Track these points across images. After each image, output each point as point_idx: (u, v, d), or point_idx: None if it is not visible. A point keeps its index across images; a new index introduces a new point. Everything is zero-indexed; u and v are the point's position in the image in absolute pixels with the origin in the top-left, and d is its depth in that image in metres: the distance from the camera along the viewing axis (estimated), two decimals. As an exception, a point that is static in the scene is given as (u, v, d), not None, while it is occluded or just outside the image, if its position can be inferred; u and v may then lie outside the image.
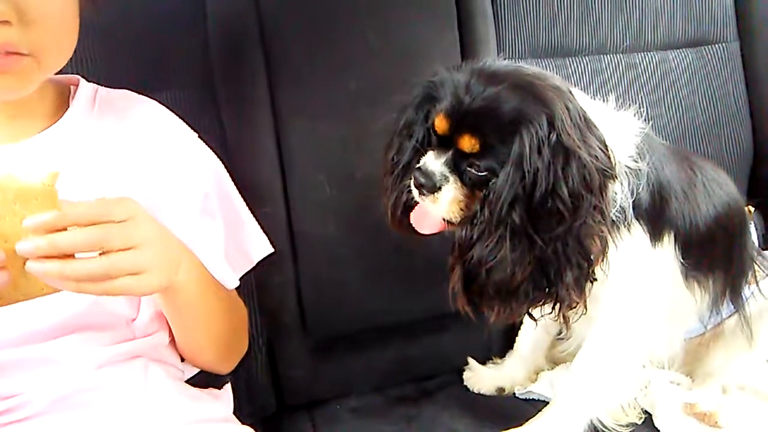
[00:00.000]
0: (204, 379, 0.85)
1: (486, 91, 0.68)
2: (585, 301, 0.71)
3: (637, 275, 0.79)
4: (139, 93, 0.84)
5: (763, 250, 1.05)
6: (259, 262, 0.90)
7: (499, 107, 0.67)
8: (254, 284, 0.98)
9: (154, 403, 0.74)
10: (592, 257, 0.67)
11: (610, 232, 0.69)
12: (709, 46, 1.19)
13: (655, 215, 0.77)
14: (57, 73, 0.75)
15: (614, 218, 0.73)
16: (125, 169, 0.76)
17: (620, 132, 0.75)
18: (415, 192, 0.73)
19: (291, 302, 1.02)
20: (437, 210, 0.72)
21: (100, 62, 0.93)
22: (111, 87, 0.83)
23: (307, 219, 1.01)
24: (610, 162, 0.68)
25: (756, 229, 0.99)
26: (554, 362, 1.00)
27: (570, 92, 0.71)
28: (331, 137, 1.02)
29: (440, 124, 0.70)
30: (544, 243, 0.65)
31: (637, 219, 0.75)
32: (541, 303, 0.70)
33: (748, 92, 1.19)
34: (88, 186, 0.73)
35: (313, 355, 1.05)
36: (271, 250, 0.90)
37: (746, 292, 0.91)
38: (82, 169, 0.74)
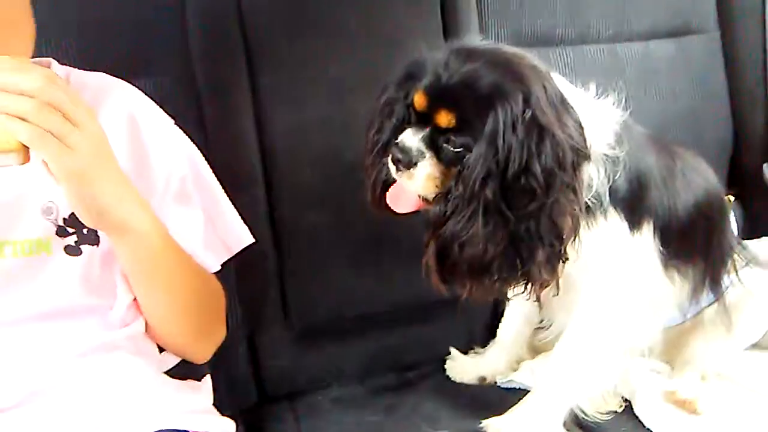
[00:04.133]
0: (183, 371, 0.84)
1: (464, 67, 0.68)
2: (558, 281, 0.71)
3: (615, 262, 0.79)
4: (115, 77, 0.81)
5: (743, 239, 1.06)
6: (240, 252, 0.88)
7: (476, 83, 0.67)
8: (234, 274, 0.97)
9: (133, 395, 0.73)
10: (564, 236, 0.67)
11: (581, 212, 0.70)
12: (690, 36, 1.20)
13: (632, 202, 0.77)
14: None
15: (590, 204, 0.73)
16: None
17: (598, 119, 0.75)
18: (392, 168, 0.73)
19: (272, 291, 1.01)
20: (413, 186, 0.72)
21: (75, 47, 0.90)
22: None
23: (289, 206, 1.00)
24: (585, 143, 0.69)
25: (735, 219, 0.99)
26: (536, 351, 1.00)
27: (548, 73, 0.71)
28: (312, 123, 1.00)
29: (418, 100, 0.70)
30: (516, 219, 0.65)
31: (614, 206, 0.75)
32: (513, 281, 0.70)
33: (728, 82, 1.20)
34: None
35: (295, 345, 1.04)
36: (252, 240, 0.89)
37: (726, 281, 0.91)
38: None
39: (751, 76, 1.19)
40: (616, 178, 0.75)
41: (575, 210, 0.68)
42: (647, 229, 0.80)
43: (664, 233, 0.81)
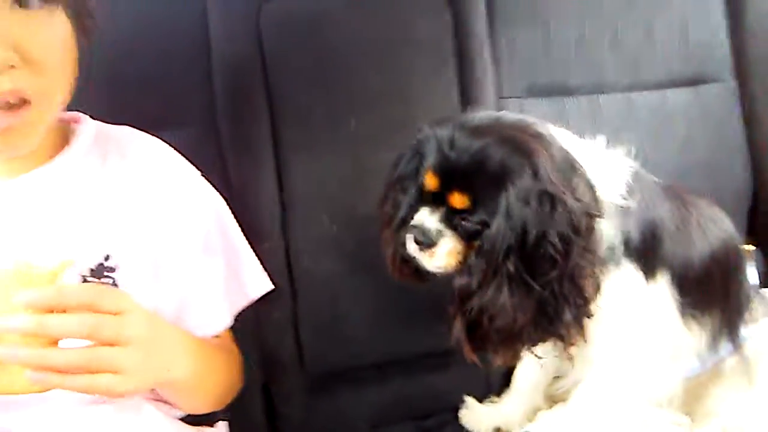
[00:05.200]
0: (198, 417, 0.85)
1: (471, 146, 0.70)
2: (585, 337, 0.73)
3: (631, 311, 0.79)
4: (141, 131, 0.85)
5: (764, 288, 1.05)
6: (258, 299, 0.90)
7: (485, 163, 0.69)
8: (253, 321, 0.98)
9: (148, 441, 0.73)
10: (587, 295, 0.69)
11: (601, 271, 0.72)
12: (707, 85, 1.20)
13: (646, 252, 0.78)
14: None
15: (604, 255, 0.74)
16: (126, 207, 0.77)
17: (609, 170, 0.76)
18: (413, 247, 0.76)
19: (288, 339, 1.02)
20: (435, 263, 0.75)
21: (103, 100, 0.94)
22: (113, 124, 0.84)
23: (307, 256, 1.02)
24: (596, 202, 0.71)
25: (756, 268, 0.98)
26: (553, 401, 0.99)
27: (552, 136, 0.73)
28: (332, 175, 1.03)
29: (430, 181, 0.73)
30: (541, 287, 0.67)
31: (628, 256, 0.76)
32: (543, 343, 0.72)
33: (746, 131, 1.20)
34: (88, 225, 0.74)
35: (310, 393, 1.04)
36: (271, 286, 0.90)
37: (745, 331, 0.90)
38: (81, 207, 0.74)
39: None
40: (629, 229, 0.75)
41: (595, 270, 0.70)
42: (663, 279, 0.80)
43: (681, 282, 0.81)
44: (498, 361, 0.73)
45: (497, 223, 0.68)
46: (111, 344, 0.61)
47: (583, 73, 1.16)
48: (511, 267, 0.67)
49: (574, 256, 0.67)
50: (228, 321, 0.85)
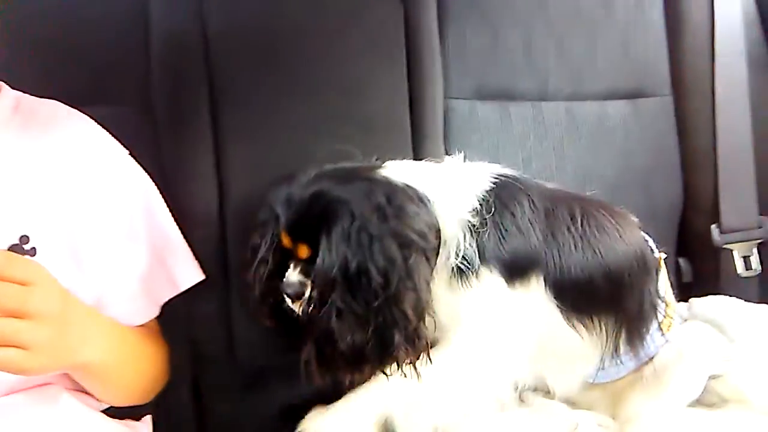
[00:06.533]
0: (123, 410, 0.82)
1: (304, 200, 0.80)
2: (428, 353, 0.78)
3: (493, 317, 0.83)
4: (72, 107, 0.80)
5: (687, 298, 1.09)
6: (188, 289, 0.87)
7: (315, 211, 0.79)
8: (182, 312, 0.94)
9: (64, 433, 0.69)
10: (411, 319, 0.76)
11: (428, 296, 0.78)
12: (645, 99, 1.23)
13: (508, 260, 0.82)
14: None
15: (462, 267, 0.81)
16: (46, 186, 0.72)
17: (460, 187, 0.84)
18: (288, 301, 0.84)
19: (220, 331, 0.99)
20: (305, 308, 0.81)
21: (31, 70, 0.88)
22: (41, 97, 0.79)
23: (242, 245, 0.98)
24: (421, 234, 0.78)
25: (667, 277, 0.99)
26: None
27: (383, 177, 0.81)
28: (271, 163, 1.00)
29: (284, 240, 0.82)
30: (369, 313, 0.74)
31: (486, 266, 0.81)
32: (386, 363, 0.78)
33: (679, 145, 1.24)
34: (2, 202, 0.69)
35: (241, 388, 1.01)
36: (202, 277, 0.87)
37: (656, 339, 0.92)
38: None
39: (701, 141, 1.23)
40: (485, 238, 0.81)
41: (419, 296, 0.76)
42: (536, 282, 0.84)
43: (557, 286, 0.84)
44: (347, 381, 0.79)
45: (321, 258, 0.76)
46: (17, 316, 0.57)
47: (529, 79, 1.18)
48: (337, 297, 0.75)
49: (394, 285, 0.74)
50: (154, 312, 0.82)
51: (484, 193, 0.84)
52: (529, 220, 0.84)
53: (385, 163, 0.86)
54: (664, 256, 0.95)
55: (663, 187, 1.22)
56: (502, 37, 1.16)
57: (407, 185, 0.81)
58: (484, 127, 1.14)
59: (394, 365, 0.78)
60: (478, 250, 0.81)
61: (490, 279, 0.82)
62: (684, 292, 1.12)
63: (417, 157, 1.06)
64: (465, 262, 0.81)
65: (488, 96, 1.16)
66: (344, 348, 0.75)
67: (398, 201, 0.79)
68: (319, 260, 0.76)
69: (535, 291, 0.84)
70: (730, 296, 1.09)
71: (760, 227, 1.22)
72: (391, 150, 0.92)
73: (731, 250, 1.21)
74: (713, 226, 1.21)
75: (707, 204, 1.22)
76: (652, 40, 1.24)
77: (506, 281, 0.82)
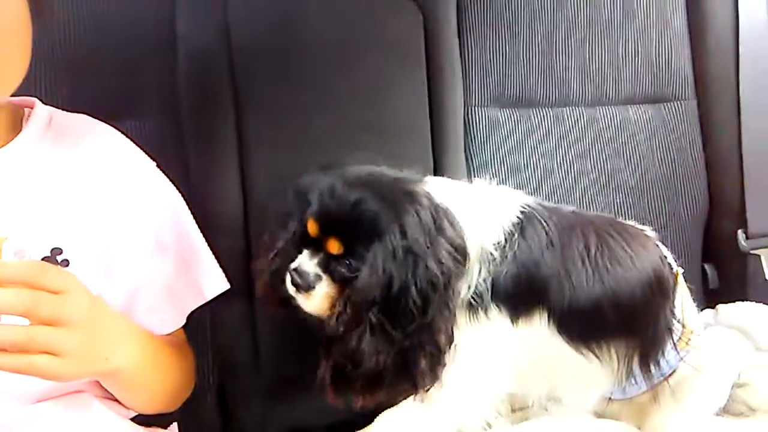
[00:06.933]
0: (150, 418, 0.83)
1: (349, 198, 0.75)
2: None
3: (492, 357, 0.82)
4: (100, 120, 0.82)
5: (714, 305, 1.07)
6: (214, 298, 0.88)
7: (359, 215, 0.75)
8: (209, 321, 0.96)
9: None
10: (441, 346, 0.74)
11: (455, 324, 0.76)
12: (668, 103, 1.23)
13: (517, 297, 0.80)
14: (12, 95, 0.72)
15: (472, 302, 0.78)
16: (77, 198, 0.74)
17: (491, 217, 0.80)
18: (291, 288, 0.79)
19: (245, 340, 1.00)
20: (310, 305, 0.78)
21: (63, 86, 0.91)
22: (71, 112, 0.81)
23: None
24: (463, 257, 0.75)
25: (687, 288, 0.97)
26: None
27: (427, 193, 0.77)
28: (295, 173, 1.01)
29: (311, 227, 0.77)
30: (400, 337, 0.72)
31: (496, 303, 0.79)
32: (403, 389, 0.76)
33: (704, 149, 1.23)
34: (36, 215, 0.71)
35: (266, 396, 1.02)
36: (227, 286, 0.88)
37: (673, 359, 0.90)
38: (30, 196, 0.72)
39: (726, 144, 1.21)
40: (500, 274, 0.78)
41: (449, 324, 0.75)
42: (539, 318, 0.81)
43: (562, 319, 0.81)
44: (359, 403, 0.77)
45: (364, 275, 0.73)
46: (50, 324, 0.58)
47: (550, 86, 1.18)
48: (373, 318, 0.72)
49: (432, 311, 0.72)
50: (180, 321, 0.83)
51: (511, 227, 0.80)
52: (543, 254, 0.81)
53: (424, 179, 0.82)
54: (681, 270, 0.92)
55: (688, 192, 1.21)
56: (522, 45, 1.16)
57: (448, 207, 0.78)
58: (505, 135, 1.15)
59: (410, 390, 0.76)
60: (492, 286, 0.78)
61: (497, 318, 0.80)
62: (711, 299, 1.11)
63: (437, 165, 1.07)
64: (476, 297, 0.78)
65: (509, 103, 1.16)
66: (366, 370, 0.73)
67: (443, 224, 0.76)
68: (363, 275, 0.73)
69: (538, 326, 0.81)
70: (758, 302, 1.08)
71: (788, 232, 1.20)
72: (412, 158, 0.93)
73: (758, 256, 1.19)
74: (739, 231, 1.19)
75: (733, 209, 1.21)
76: (675, 45, 1.23)
77: (511, 319, 0.80)
